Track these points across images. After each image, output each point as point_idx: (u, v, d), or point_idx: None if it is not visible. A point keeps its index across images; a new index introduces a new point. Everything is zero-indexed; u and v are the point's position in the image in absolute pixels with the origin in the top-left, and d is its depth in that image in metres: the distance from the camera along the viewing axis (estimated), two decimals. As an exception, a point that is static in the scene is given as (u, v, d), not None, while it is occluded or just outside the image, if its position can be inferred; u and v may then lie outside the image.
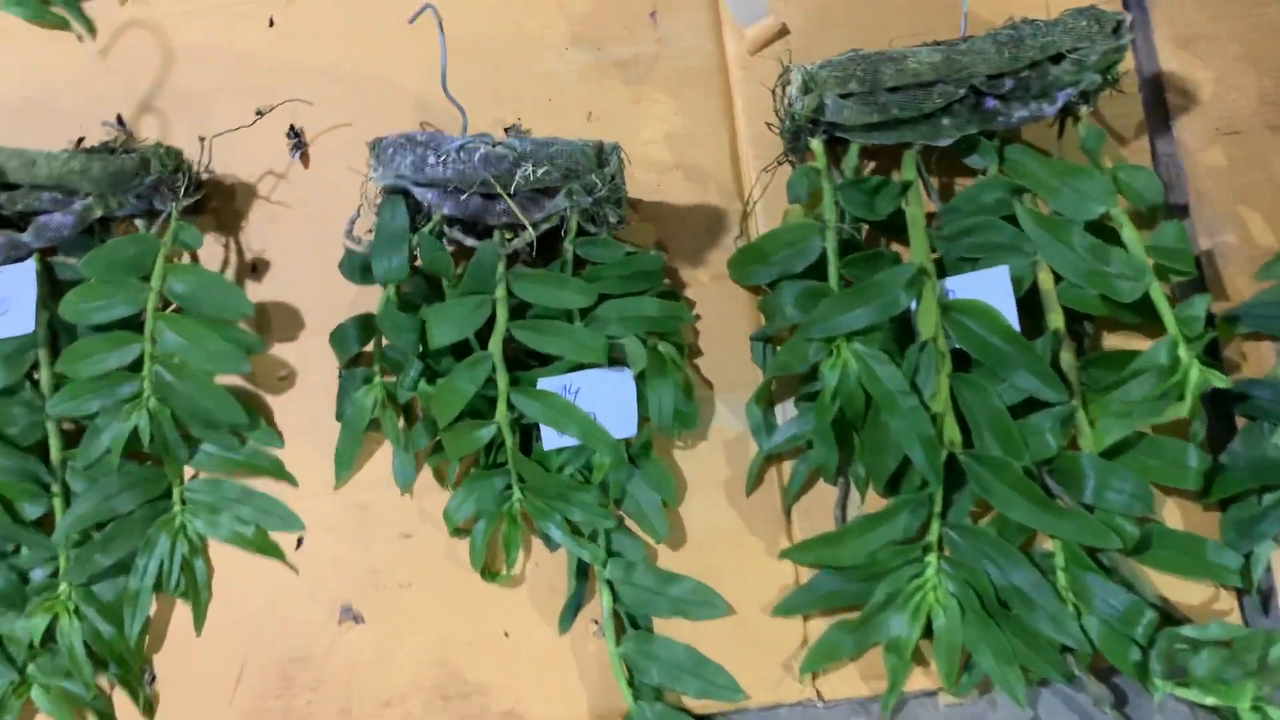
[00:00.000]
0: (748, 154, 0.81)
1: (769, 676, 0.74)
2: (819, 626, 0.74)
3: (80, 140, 0.82)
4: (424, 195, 0.70)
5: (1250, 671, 0.67)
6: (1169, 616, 0.72)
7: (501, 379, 0.72)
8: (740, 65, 0.83)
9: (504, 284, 0.72)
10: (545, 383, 0.73)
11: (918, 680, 0.74)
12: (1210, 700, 0.67)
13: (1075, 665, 0.71)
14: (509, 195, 0.67)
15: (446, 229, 0.71)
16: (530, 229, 0.70)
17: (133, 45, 0.85)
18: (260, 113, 0.82)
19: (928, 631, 0.72)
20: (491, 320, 0.72)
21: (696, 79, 0.82)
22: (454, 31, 0.81)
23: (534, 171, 0.66)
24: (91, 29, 0.85)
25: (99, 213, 0.76)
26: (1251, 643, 0.67)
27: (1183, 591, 0.73)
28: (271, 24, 0.85)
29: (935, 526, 0.73)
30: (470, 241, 0.71)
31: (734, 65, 0.83)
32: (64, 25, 0.85)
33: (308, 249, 0.81)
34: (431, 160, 0.67)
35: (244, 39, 0.85)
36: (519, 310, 0.74)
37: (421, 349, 0.72)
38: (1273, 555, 0.72)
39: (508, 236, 0.72)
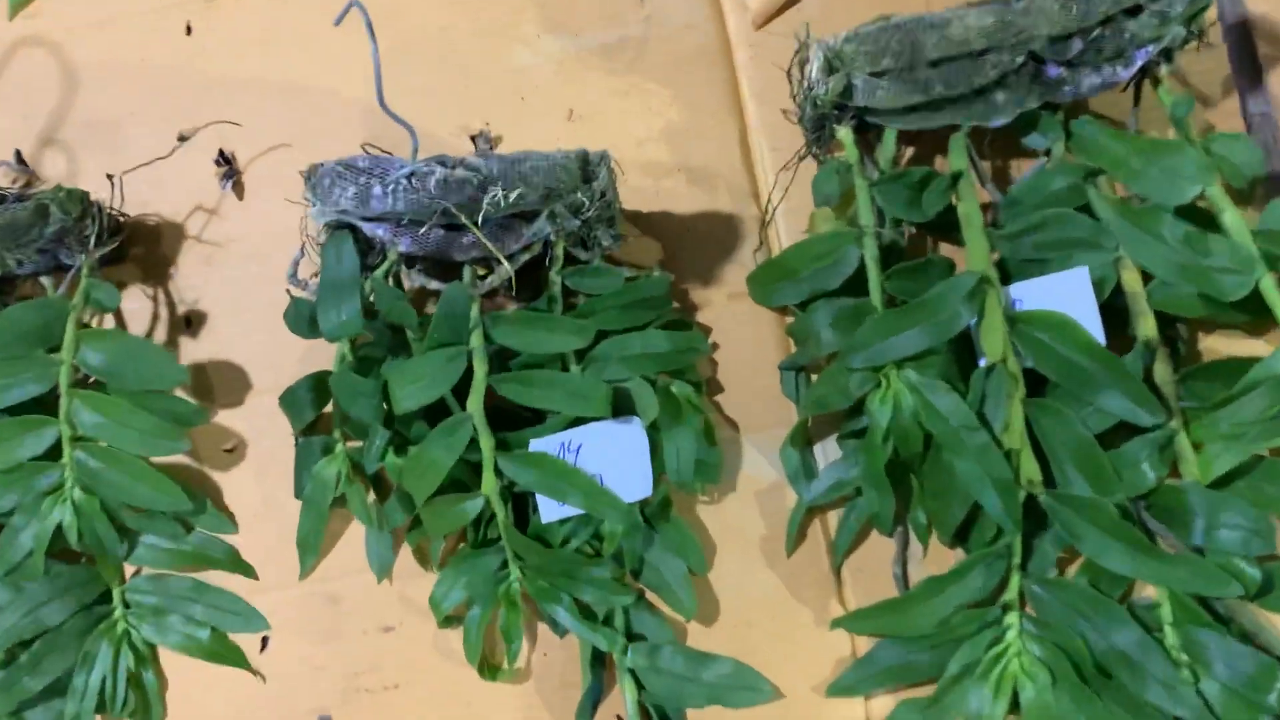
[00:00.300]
0: (761, 147, 0.69)
1: (828, 768, 0.63)
2: (884, 705, 0.63)
3: (-25, 183, 0.70)
4: (374, 231, 0.58)
5: None
6: (1304, 672, 0.60)
7: (485, 443, 0.60)
8: (746, 43, 0.70)
9: (480, 330, 0.59)
10: (539, 443, 0.61)
11: (1003, 761, 0.62)
12: (1365, 775, 0.56)
13: (1194, 738, 0.59)
14: (476, 226, 0.55)
15: (405, 269, 0.59)
16: (506, 263, 0.57)
17: (27, 67, 0.72)
18: (183, 138, 0.70)
19: (1013, 706, 0.61)
20: (468, 375, 0.60)
21: (695, 63, 0.70)
22: (403, 26, 0.69)
23: (505, 196, 0.54)
24: (-22, 51, 0.73)
25: (-6, 273, 0.64)
26: None
27: (1313, 637, 0.61)
28: (189, 32, 0.72)
29: (1015, 581, 0.61)
30: (435, 284, 0.59)
31: (738, 43, 0.70)
32: (-54, 49, 0.72)
33: (249, 295, 0.69)
34: (377, 191, 0.54)
35: (158, 52, 0.72)
36: (500, 358, 0.61)
37: (387, 413, 0.60)
38: None
39: (480, 273, 0.59)
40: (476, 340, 0.59)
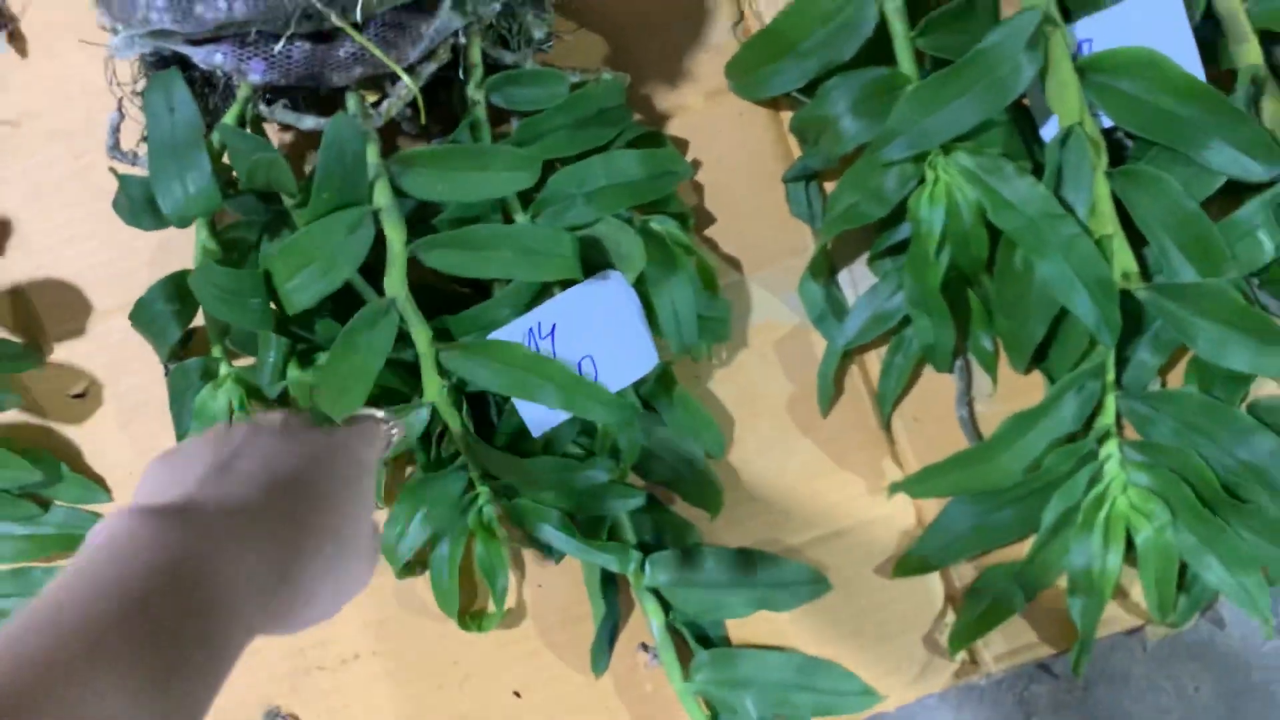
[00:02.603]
0: (719, -111, 0.52)
1: (910, 662, 0.52)
2: (965, 574, 0.52)
3: None
4: (210, 58, 0.40)
5: None
6: None
7: (420, 335, 0.45)
8: None
9: (385, 181, 0.43)
10: (502, 333, 0.46)
11: (1113, 617, 0.52)
12: None
13: (1339, 554, 0.49)
14: (356, 27, 0.38)
15: (264, 109, 0.42)
16: (407, 78, 0.40)
17: None
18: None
19: (1126, 551, 0.50)
20: (380, 246, 0.44)
21: None
22: None
23: (390, -26, 0.37)
24: None
25: None
26: None
27: None
28: None
29: (1110, 402, 0.49)
30: (310, 121, 0.42)
31: None
32: None
33: (63, 185, 0.53)
34: (203, -11, 0.36)
35: None
36: (419, 218, 0.45)
37: (278, 315, 0.44)
38: None
39: (371, 100, 0.42)
40: (382, 195, 0.43)
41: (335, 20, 0.38)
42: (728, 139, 0.52)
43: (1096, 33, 0.48)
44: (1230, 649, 0.53)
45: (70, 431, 0.52)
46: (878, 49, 0.47)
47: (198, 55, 0.40)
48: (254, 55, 0.40)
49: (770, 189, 0.52)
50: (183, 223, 0.43)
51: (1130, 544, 0.51)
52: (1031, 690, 0.53)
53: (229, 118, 0.41)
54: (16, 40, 0.52)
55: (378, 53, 0.39)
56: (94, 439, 0.52)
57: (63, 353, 0.52)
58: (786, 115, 0.52)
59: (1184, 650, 0.53)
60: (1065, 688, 0.53)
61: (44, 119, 0.52)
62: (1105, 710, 0.53)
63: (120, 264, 0.52)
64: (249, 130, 0.42)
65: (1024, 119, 0.49)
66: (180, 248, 0.49)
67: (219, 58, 0.40)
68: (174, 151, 0.42)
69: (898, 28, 0.47)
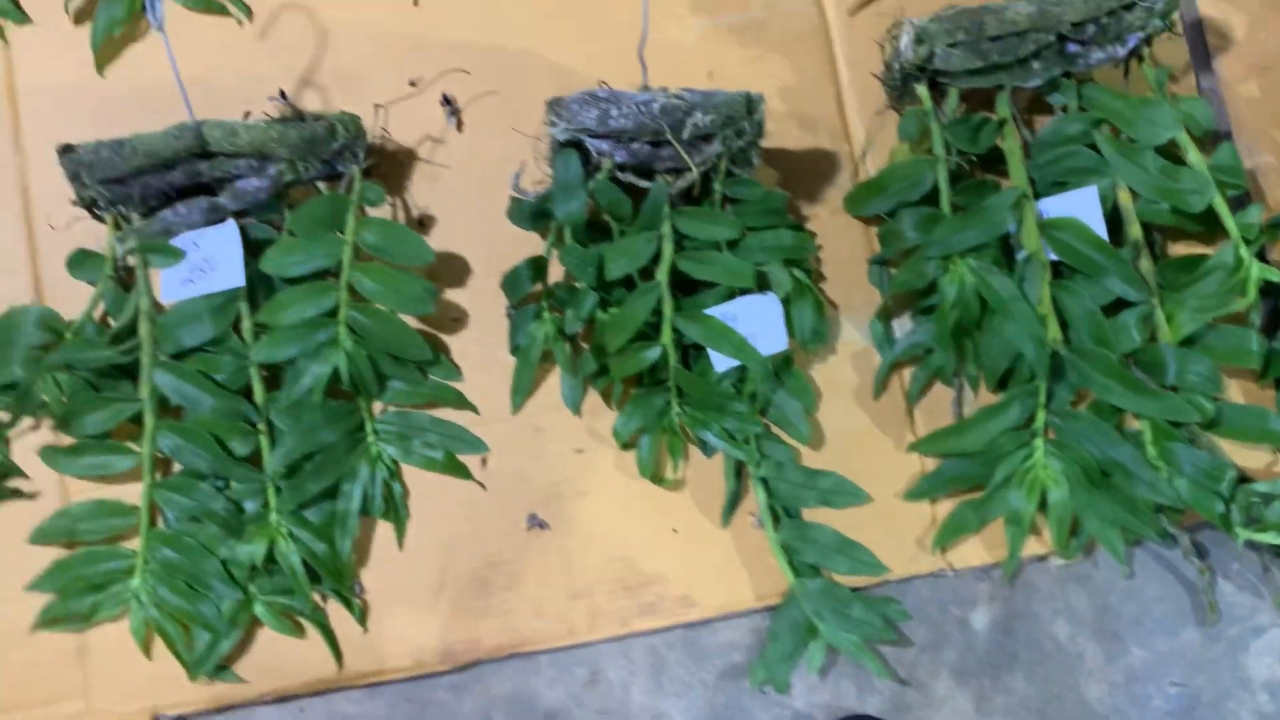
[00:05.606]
0: (851, 102, 0.93)
1: (905, 552, 0.86)
2: (945, 507, 0.86)
3: (247, 115, 0.90)
4: (598, 146, 0.80)
5: (1316, 515, 0.80)
6: (1243, 477, 0.85)
7: (667, 305, 0.82)
8: (840, 25, 0.94)
9: (669, 221, 0.82)
10: (708, 312, 0.83)
11: (1032, 546, 0.86)
12: (1283, 540, 0.80)
13: (1167, 524, 0.83)
14: (678, 142, 0.78)
15: (619, 174, 0.81)
16: (694, 170, 0.80)
17: (288, 27, 0.93)
18: (414, 84, 0.91)
19: (1041, 504, 0.84)
20: (657, 253, 0.82)
21: (802, 39, 0.93)
22: (585, 11, 0.92)
23: (702, 119, 0.76)
24: (249, 13, 0.93)
25: (290, 177, 0.84)
26: (1315, 491, 0.80)
27: (1246, 459, 0.86)
28: (416, 3, 0.93)
29: (1041, 415, 0.85)
30: (645, 183, 0.81)
31: (834, 25, 0.94)
32: (223, 10, 0.92)
33: (466, 205, 0.90)
34: (614, 113, 0.76)
35: (390, 19, 0.93)
36: (677, 245, 0.84)
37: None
38: (1323, 421, 0.85)
39: (669, 179, 0.82)
40: (666, 228, 0.82)
41: (670, 138, 0.78)
42: (837, 237, 0.90)
43: (1051, 207, 0.85)
44: (1101, 579, 0.87)
45: (446, 338, 0.88)
46: (931, 197, 0.86)
47: (591, 143, 0.80)
48: (621, 148, 0.80)
49: (858, 267, 0.90)
50: (565, 224, 0.81)
51: (1044, 501, 0.86)
52: (977, 586, 0.87)
53: (602, 176, 0.81)
54: (458, 122, 0.92)
55: (685, 158, 0.79)
56: (458, 345, 0.87)
57: (449, 294, 0.89)
58: (874, 227, 0.91)
59: (1073, 575, 0.87)
60: (999, 586, 0.87)
61: (463, 167, 0.91)
62: (1020, 604, 0.87)
63: (486, 251, 0.89)
64: (610, 183, 0.81)
65: (1006, 246, 0.88)
66: (523, 248, 0.88)
67: (603, 146, 0.80)
68: (567, 189, 0.81)
69: (943, 188, 0.85)
